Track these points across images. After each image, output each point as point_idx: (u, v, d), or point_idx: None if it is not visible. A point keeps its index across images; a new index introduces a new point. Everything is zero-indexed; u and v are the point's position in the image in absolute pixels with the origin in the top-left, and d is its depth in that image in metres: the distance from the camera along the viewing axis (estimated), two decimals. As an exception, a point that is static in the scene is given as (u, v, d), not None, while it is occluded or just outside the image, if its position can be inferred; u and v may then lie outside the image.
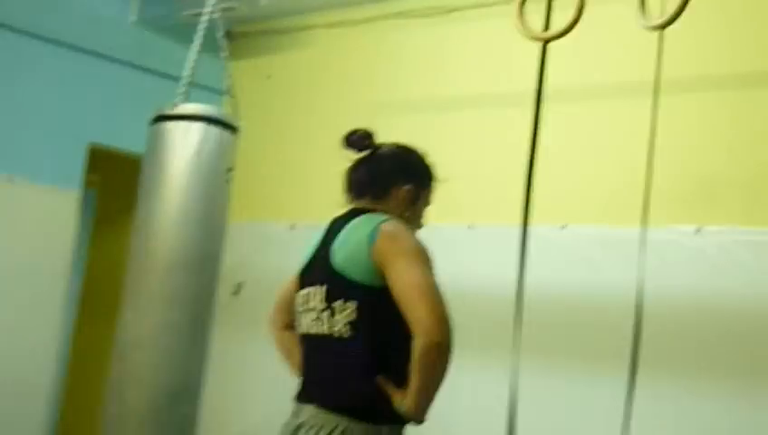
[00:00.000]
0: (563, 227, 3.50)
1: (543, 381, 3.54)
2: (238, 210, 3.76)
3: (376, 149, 2.13)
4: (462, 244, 3.90)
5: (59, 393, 4.74)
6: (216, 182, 3.32)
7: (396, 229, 1.92)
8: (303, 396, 2.03)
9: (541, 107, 3.11)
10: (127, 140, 4.44)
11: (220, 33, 3.64)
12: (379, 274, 1.86)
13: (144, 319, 3.17)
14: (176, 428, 3.16)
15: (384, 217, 1.96)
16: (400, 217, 2.05)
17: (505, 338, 3.51)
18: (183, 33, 3.81)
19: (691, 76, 3.26)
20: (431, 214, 3.98)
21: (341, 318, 1.89)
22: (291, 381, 4.49)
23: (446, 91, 4.10)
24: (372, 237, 1.89)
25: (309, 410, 1.96)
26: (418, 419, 1.91)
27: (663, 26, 2.36)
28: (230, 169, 3.38)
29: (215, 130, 3.31)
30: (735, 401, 2.90)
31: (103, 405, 3.24)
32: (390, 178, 2.08)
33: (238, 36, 4.83)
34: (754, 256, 2.94)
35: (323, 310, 1.93)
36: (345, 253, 1.92)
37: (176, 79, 3.55)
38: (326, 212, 4.43)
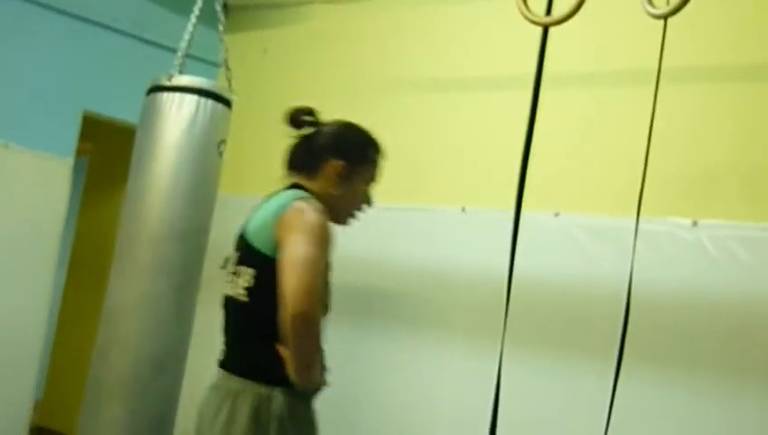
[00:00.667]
0: (557, 215, 3.48)
1: (530, 369, 3.53)
2: (228, 183, 3.76)
3: (318, 126, 2.17)
4: (454, 227, 3.89)
5: (47, 357, 4.76)
6: (208, 154, 3.31)
7: (304, 207, 1.97)
8: (220, 360, 2.12)
9: (539, 92, 3.10)
10: (121, 110, 4.43)
11: (218, 6, 3.61)
12: (277, 246, 1.94)
13: (131, 287, 3.17)
14: (158, 395, 3.18)
15: (303, 194, 2.03)
16: (332, 193, 2.10)
17: (493, 324, 3.53)
18: (181, 4, 3.77)
19: (692, 66, 3.23)
20: (427, 195, 4.02)
21: (242, 283, 1.98)
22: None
23: (444, 72, 4.07)
24: (280, 211, 1.97)
25: (220, 374, 2.06)
26: (303, 384, 1.95)
27: (668, 15, 2.33)
28: (222, 142, 3.37)
29: (208, 103, 3.30)
30: (724, 396, 2.89)
31: (89, 369, 3.26)
32: (322, 154, 2.11)
33: (235, 9, 4.78)
34: (751, 252, 2.92)
35: (233, 273, 2.04)
36: (256, 223, 2.02)
37: (172, 50, 3.53)
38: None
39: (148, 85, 3.39)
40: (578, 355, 3.42)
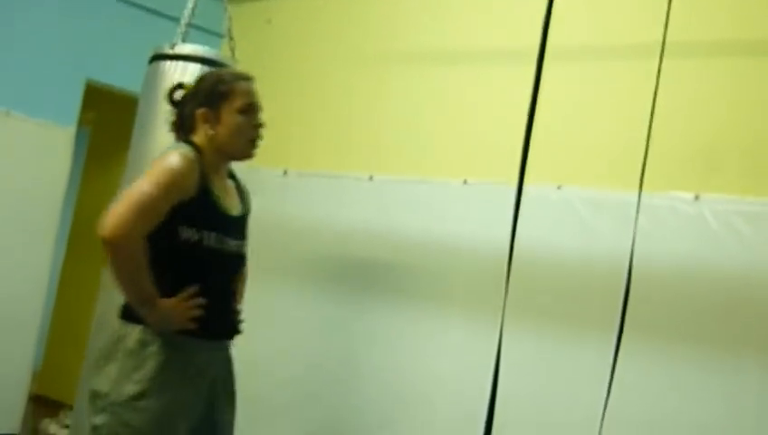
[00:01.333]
0: (559, 188, 3.48)
1: (531, 341, 3.54)
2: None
3: (172, 92, 2.27)
4: (456, 199, 3.89)
5: (46, 327, 4.77)
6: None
7: (164, 154, 2.06)
8: None
9: (543, 64, 3.08)
10: (123, 79, 4.42)
11: (222, -25, 3.60)
12: None
13: None
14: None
15: (180, 145, 2.12)
16: (212, 137, 2.14)
17: (495, 296, 3.55)
18: (185, -27, 3.73)
19: (695, 41, 3.22)
20: (429, 167, 4.02)
21: None
22: (280, 323, 4.51)
23: (447, 44, 4.06)
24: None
25: None
26: (147, 319, 2.02)
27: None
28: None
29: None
30: (724, 368, 2.91)
31: (89, 338, 3.27)
32: (189, 111, 2.18)
33: (240, -21, 4.76)
34: (752, 227, 2.93)
35: None
36: None
37: (175, 19, 3.53)
38: (319, 158, 4.46)
39: (150, 54, 3.39)
40: (579, 327, 3.44)
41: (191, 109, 2.16)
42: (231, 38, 3.63)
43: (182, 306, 2.01)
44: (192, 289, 2.03)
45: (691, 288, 3.03)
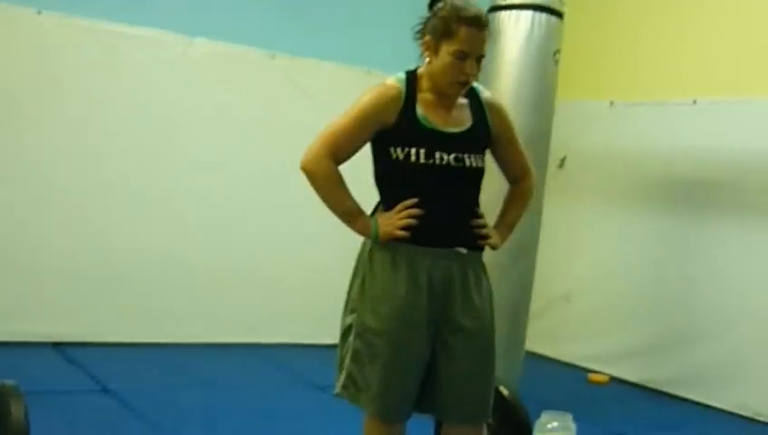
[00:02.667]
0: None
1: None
2: (562, 91, 4.03)
3: None
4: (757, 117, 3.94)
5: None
6: (545, 65, 3.66)
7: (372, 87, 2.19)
8: None
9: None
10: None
11: None
12: None
13: (486, 186, 3.50)
14: (516, 280, 3.65)
15: (393, 76, 2.20)
16: (427, 67, 2.17)
17: None
18: None
19: None
20: (752, 85, 4.05)
21: None
22: (609, 242, 4.78)
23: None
24: None
25: None
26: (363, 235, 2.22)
27: None
28: (557, 52, 3.69)
29: (542, 17, 3.63)
30: None
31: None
32: (421, 35, 2.20)
33: None
34: None
35: None
36: None
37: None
38: (645, 89, 4.63)
39: (487, 5, 3.69)
40: None
41: (421, 34, 2.20)
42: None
43: (393, 217, 2.13)
44: (409, 202, 2.12)
45: None
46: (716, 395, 4.15)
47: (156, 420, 3.22)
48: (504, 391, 2.71)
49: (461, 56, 2.13)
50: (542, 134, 3.69)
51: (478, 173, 2.20)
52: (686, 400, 4.27)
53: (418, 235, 2.12)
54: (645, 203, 4.63)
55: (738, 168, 4.15)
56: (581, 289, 4.74)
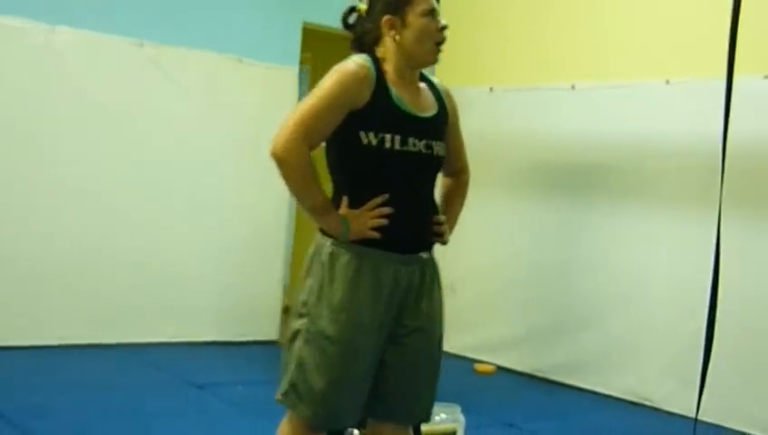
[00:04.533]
0: (767, 77, 3.47)
1: (748, 231, 3.59)
2: (442, 77, 3.93)
3: (352, 11, 2.19)
4: (660, 99, 3.96)
5: (290, 248, 5.33)
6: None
7: (334, 68, 2.04)
8: None
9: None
10: (336, 18, 4.74)
11: None
12: None
13: None
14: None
15: (355, 55, 2.08)
16: (398, 44, 2.07)
17: (707, 190, 3.59)
18: None
19: None
20: (628, 70, 4.08)
21: None
22: (492, 231, 4.69)
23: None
24: None
25: None
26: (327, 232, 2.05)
27: None
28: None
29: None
30: None
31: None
32: (373, 22, 2.11)
33: None
34: None
35: None
36: None
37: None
38: (524, 75, 4.62)
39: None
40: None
41: (373, 20, 2.10)
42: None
43: (364, 216, 1.98)
44: (379, 199, 1.98)
45: None
46: (603, 381, 4.17)
47: (26, 426, 3.04)
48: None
49: (432, 13, 2.06)
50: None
51: (441, 163, 2.12)
52: (573, 387, 4.29)
53: (386, 237, 1.99)
54: (528, 190, 4.63)
55: (618, 152, 4.17)
56: (466, 279, 4.69)
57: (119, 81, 4.37)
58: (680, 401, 3.72)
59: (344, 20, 2.17)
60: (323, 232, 2.05)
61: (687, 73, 3.83)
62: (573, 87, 4.34)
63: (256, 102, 4.73)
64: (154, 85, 4.45)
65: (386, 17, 2.07)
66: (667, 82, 3.93)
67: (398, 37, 2.06)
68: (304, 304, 2.03)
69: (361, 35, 2.13)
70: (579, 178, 4.37)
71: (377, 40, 2.10)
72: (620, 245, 4.19)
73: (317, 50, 5.53)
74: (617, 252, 4.20)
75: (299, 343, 2.02)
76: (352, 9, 2.17)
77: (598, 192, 4.27)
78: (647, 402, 3.99)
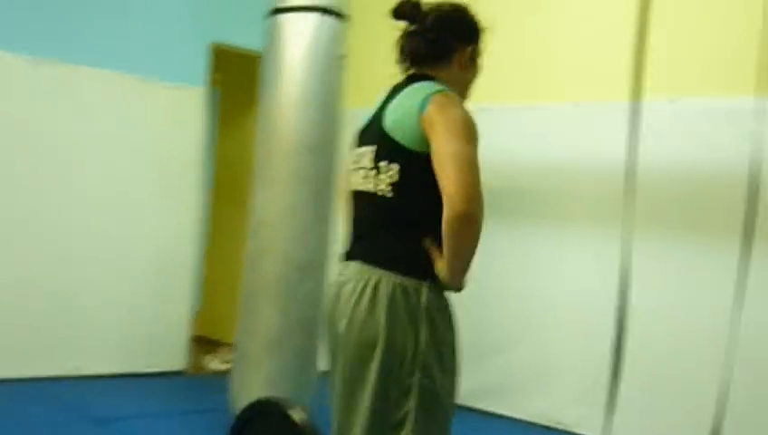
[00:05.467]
0: (671, 101, 3.52)
1: (654, 253, 3.61)
2: (353, 97, 3.92)
3: (425, 16, 2.10)
4: (568, 121, 3.98)
5: (201, 272, 5.16)
6: (332, 68, 3.50)
7: (447, 100, 1.92)
8: (350, 253, 2.08)
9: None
10: (246, 39, 4.69)
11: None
12: (425, 141, 1.89)
13: (272, 199, 3.43)
14: (306, 297, 3.44)
15: (439, 86, 1.97)
16: (464, 77, 2.08)
17: (615, 212, 3.62)
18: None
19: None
20: (540, 93, 4.10)
21: (385, 178, 1.96)
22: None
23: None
24: (423, 105, 1.91)
25: (354, 266, 2.01)
26: (454, 286, 1.95)
27: None
28: (343, 56, 3.54)
29: (327, 19, 3.47)
30: None
31: (242, 277, 3.56)
32: (450, 42, 2.06)
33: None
34: None
35: (371, 169, 2.00)
36: (395, 117, 1.96)
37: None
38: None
39: (268, 8, 3.55)
40: (701, 236, 3.48)
41: (455, 41, 2.05)
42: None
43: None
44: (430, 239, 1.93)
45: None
46: (516, 406, 4.14)
47: None
48: (296, 415, 2.50)
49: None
50: (331, 140, 3.51)
51: None
52: (486, 412, 4.24)
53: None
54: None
55: (527, 174, 4.17)
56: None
57: (14, 101, 4.14)
58: (592, 424, 3.72)
59: (410, 11, 2.09)
60: (414, 274, 1.92)
61: (596, 96, 3.86)
62: (488, 109, 4.31)
63: (162, 123, 4.57)
64: (52, 106, 4.23)
65: (469, 47, 2.06)
66: (576, 104, 3.95)
67: (469, 73, 2.08)
68: (420, 355, 1.89)
69: (425, 45, 2.04)
70: (487, 202, 4.34)
71: (440, 59, 2.05)
72: (530, 269, 4.18)
73: (228, 71, 5.42)
74: (527, 276, 4.19)
75: (413, 401, 1.88)
76: (419, 4, 2.09)
77: (506, 215, 4.25)
78: (559, 426, 3.96)
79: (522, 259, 4.20)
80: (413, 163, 1.90)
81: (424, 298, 1.90)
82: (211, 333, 5.45)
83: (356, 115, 4.14)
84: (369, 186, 2.01)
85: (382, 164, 1.96)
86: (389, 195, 1.95)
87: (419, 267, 1.91)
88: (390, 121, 1.95)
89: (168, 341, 4.65)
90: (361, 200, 2.05)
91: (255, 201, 3.51)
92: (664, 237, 3.66)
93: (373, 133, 2.02)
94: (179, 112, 4.63)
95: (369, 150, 2.02)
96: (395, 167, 1.93)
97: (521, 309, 4.20)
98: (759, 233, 3.12)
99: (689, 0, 3.56)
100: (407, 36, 2.08)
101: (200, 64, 4.70)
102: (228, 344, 4.57)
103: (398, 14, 2.10)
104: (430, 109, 1.89)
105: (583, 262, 3.95)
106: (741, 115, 3.24)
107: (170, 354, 4.64)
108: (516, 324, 4.20)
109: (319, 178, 3.44)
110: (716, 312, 3.25)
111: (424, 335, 1.89)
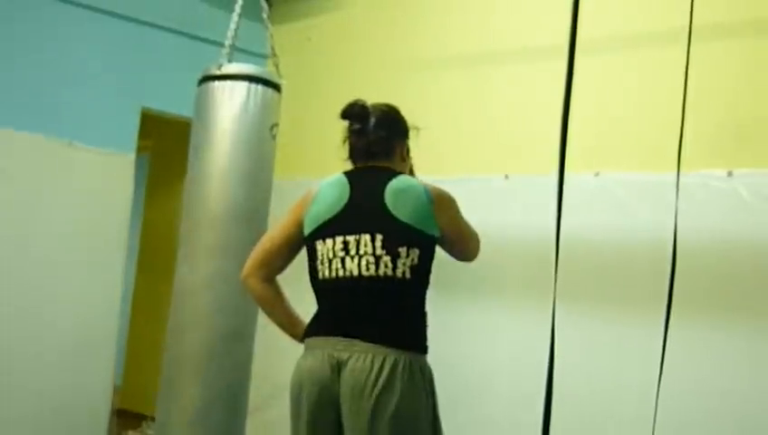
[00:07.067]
0: (597, 175, 3.60)
1: (581, 323, 3.64)
2: (282, 168, 3.90)
3: (368, 117, 2.35)
4: (499, 193, 4.02)
5: (123, 343, 5.01)
6: (262, 138, 3.48)
7: (439, 189, 2.28)
8: (349, 333, 2.17)
9: (574, 57, 3.20)
10: (177, 105, 4.65)
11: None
12: (437, 225, 2.21)
13: (198, 269, 3.37)
14: (232, 368, 3.37)
15: (413, 178, 2.33)
16: (404, 169, 2.40)
17: (544, 283, 3.65)
18: (227, 1, 3.88)
19: (720, 22, 3.31)
20: (471, 166, 4.15)
21: (406, 262, 2.14)
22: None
23: (479, 46, 4.20)
24: (429, 196, 2.21)
25: (359, 345, 2.13)
26: (424, 345, 2.36)
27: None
28: (274, 126, 3.53)
29: (258, 89, 3.47)
30: (762, 337, 2.99)
31: (165, 348, 3.46)
32: (394, 138, 2.35)
33: (279, 2, 4.95)
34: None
35: (383, 255, 2.14)
36: (409, 207, 2.18)
37: (220, 44, 3.69)
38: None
39: (199, 76, 3.56)
40: (625, 307, 3.53)
41: (397, 138, 2.36)
42: (275, 54, 3.75)
43: None
44: None
45: (728, 261, 3.11)
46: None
47: None
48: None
49: None
50: (258, 210, 3.48)
51: None
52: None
53: None
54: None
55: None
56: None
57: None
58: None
59: (360, 112, 2.33)
60: (422, 351, 2.23)
61: (525, 169, 3.91)
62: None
63: (88, 189, 4.47)
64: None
65: (405, 142, 2.37)
66: (506, 176, 4.00)
67: (406, 167, 2.38)
68: (437, 430, 2.28)
69: (376, 142, 2.30)
70: (443, 273, 4.33)
71: (388, 154, 2.33)
72: (462, 338, 4.16)
73: (158, 137, 5.37)
74: (459, 345, 4.16)
75: None
76: (366, 105, 2.33)
77: (438, 287, 4.23)
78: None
79: (454, 328, 4.18)
80: (430, 246, 2.21)
81: (427, 371, 2.22)
82: (134, 406, 5.28)
83: (285, 186, 4.17)
84: (379, 271, 2.14)
85: (401, 250, 2.14)
86: (409, 277, 2.16)
87: (424, 343, 2.24)
88: (405, 212, 2.18)
89: (88, 414, 4.45)
90: (361, 285, 2.17)
91: (180, 270, 3.43)
92: (592, 305, 3.69)
93: (370, 222, 2.18)
94: (107, 178, 4.54)
95: (365, 238, 2.17)
96: (416, 251, 2.16)
97: (454, 378, 4.14)
98: (678, 301, 3.21)
99: (613, 81, 3.65)
100: (353, 134, 2.34)
101: (130, 130, 4.64)
102: (152, 418, 4.42)
103: (347, 114, 2.31)
104: (437, 198, 2.24)
105: (513, 330, 3.95)
106: (663, 188, 3.32)
107: (91, 429, 4.44)
108: (450, 393, 4.14)
109: (246, 248, 3.36)
110: (642, 380, 3.27)
111: (432, 403, 2.21)
